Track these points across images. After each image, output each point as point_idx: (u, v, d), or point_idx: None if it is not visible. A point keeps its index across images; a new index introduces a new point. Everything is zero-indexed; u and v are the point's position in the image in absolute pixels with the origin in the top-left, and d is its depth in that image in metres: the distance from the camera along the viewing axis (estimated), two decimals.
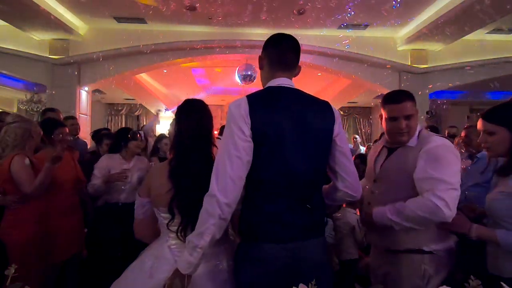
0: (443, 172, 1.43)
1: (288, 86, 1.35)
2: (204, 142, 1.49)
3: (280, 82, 1.35)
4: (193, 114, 1.50)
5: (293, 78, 1.43)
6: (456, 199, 1.42)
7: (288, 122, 1.27)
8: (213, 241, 1.22)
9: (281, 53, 1.37)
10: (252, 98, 1.30)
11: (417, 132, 1.62)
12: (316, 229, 1.36)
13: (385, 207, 1.53)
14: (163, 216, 1.47)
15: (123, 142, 2.92)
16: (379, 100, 8.91)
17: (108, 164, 2.88)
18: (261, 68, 1.44)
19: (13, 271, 0.94)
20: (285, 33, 1.41)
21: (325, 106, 1.38)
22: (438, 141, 1.54)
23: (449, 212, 1.39)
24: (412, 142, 1.61)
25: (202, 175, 1.35)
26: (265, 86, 1.39)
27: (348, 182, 1.40)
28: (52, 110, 3.71)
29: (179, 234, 1.43)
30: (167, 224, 1.46)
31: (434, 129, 4.36)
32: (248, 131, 1.24)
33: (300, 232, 1.30)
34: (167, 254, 1.45)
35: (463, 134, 2.90)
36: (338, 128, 1.37)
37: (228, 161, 1.23)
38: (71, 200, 2.49)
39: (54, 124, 2.64)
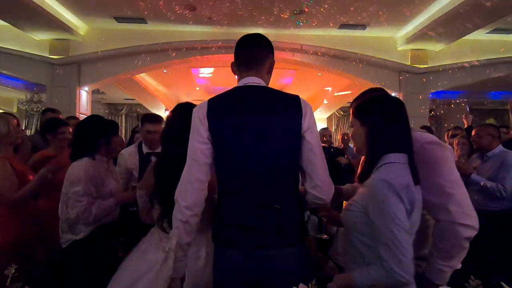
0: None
1: (255, 84, 1.31)
2: (184, 143, 1.61)
3: (247, 81, 1.32)
4: (176, 119, 1.64)
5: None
6: None
7: (248, 122, 1.23)
8: (182, 245, 1.24)
9: (246, 52, 1.35)
10: (213, 100, 1.30)
11: None
12: (289, 235, 1.25)
13: None
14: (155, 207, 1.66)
15: (103, 139, 2.12)
16: None
17: (98, 172, 2.07)
18: (233, 73, 1.41)
19: (13, 271, 0.94)
20: (253, 33, 1.39)
21: (293, 101, 1.30)
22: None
23: None
24: None
25: (179, 173, 1.45)
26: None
27: (315, 183, 1.27)
28: (52, 110, 3.70)
29: (158, 223, 1.58)
30: (153, 212, 1.64)
31: (428, 129, 4.39)
32: (205, 133, 1.24)
33: (267, 239, 1.23)
34: (156, 238, 1.65)
35: (473, 133, 2.93)
36: (307, 123, 1.26)
37: (187, 164, 1.26)
38: None
39: (57, 123, 2.61)
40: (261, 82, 1.33)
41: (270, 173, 1.24)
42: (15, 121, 2.27)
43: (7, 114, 2.36)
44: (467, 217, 1.26)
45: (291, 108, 1.27)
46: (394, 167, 1.19)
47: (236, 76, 1.39)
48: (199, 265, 1.48)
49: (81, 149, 2.08)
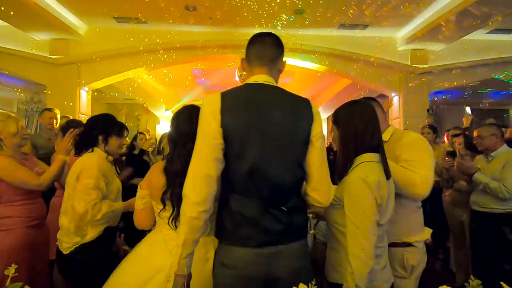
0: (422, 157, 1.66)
1: (266, 83, 1.31)
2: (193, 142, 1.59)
3: (258, 79, 1.32)
4: (184, 119, 1.60)
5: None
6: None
7: (260, 121, 1.23)
8: (189, 241, 1.21)
9: (259, 49, 1.35)
10: (226, 95, 1.26)
11: (391, 129, 1.85)
12: (295, 233, 1.30)
13: None
14: (159, 208, 1.60)
15: (102, 135, 2.05)
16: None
17: (108, 167, 2.04)
18: (243, 69, 1.42)
19: (13, 271, 0.94)
20: (266, 31, 1.39)
21: (304, 104, 1.31)
22: (413, 135, 1.78)
23: (425, 191, 1.61)
24: (385, 137, 1.81)
25: None
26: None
27: (316, 186, 1.31)
28: (49, 110, 3.72)
29: (170, 223, 1.53)
30: (159, 214, 1.59)
31: (434, 128, 4.39)
32: (217, 128, 1.20)
33: (275, 237, 1.25)
34: (161, 242, 1.58)
35: (475, 134, 2.89)
36: (317, 128, 1.29)
37: (198, 159, 1.23)
38: None
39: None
40: (273, 82, 1.34)
41: (281, 174, 1.24)
42: (23, 123, 2.29)
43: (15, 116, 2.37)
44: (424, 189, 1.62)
45: (303, 111, 1.29)
46: (369, 166, 1.35)
47: (237, 73, 1.39)
48: (207, 267, 1.44)
49: (80, 143, 2.06)
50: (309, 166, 1.30)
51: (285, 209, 1.25)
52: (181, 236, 1.21)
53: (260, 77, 1.32)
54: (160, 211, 1.58)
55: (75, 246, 1.88)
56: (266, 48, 1.35)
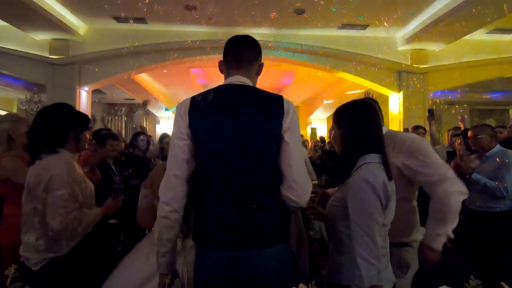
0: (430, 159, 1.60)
1: (239, 83, 1.31)
2: None
3: (231, 80, 1.32)
4: None
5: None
6: None
7: (227, 121, 1.23)
8: (163, 240, 1.25)
9: (236, 52, 1.35)
10: (196, 97, 1.29)
11: (383, 130, 1.80)
12: (270, 236, 1.23)
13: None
14: None
15: (73, 132, 1.71)
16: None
17: (79, 171, 1.71)
18: (221, 72, 1.41)
19: (13, 271, 0.94)
20: (243, 34, 1.40)
21: (275, 101, 1.28)
22: (409, 136, 1.74)
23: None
24: None
25: None
26: None
27: (289, 184, 1.24)
28: None
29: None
30: None
31: (424, 128, 4.46)
32: (185, 129, 1.25)
33: (248, 239, 1.21)
34: None
35: (470, 134, 2.90)
36: (288, 123, 1.24)
37: (169, 159, 1.28)
38: None
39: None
40: (248, 82, 1.33)
41: (248, 173, 1.22)
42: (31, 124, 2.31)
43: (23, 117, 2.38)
44: (457, 185, 1.54)
45: (273, 107, 1.26)
46: (372, 167, 1.32)
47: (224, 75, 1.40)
48: None
49: (42, 143, 1.65)
50: (282, 163, 1.26)
51: (255, 206, 1.21)
52: (155, 234, 1.28)
53: (233, 78, 1.33)
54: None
55: (47, 260, 1.61)
56: (244, 51, 1.35)
